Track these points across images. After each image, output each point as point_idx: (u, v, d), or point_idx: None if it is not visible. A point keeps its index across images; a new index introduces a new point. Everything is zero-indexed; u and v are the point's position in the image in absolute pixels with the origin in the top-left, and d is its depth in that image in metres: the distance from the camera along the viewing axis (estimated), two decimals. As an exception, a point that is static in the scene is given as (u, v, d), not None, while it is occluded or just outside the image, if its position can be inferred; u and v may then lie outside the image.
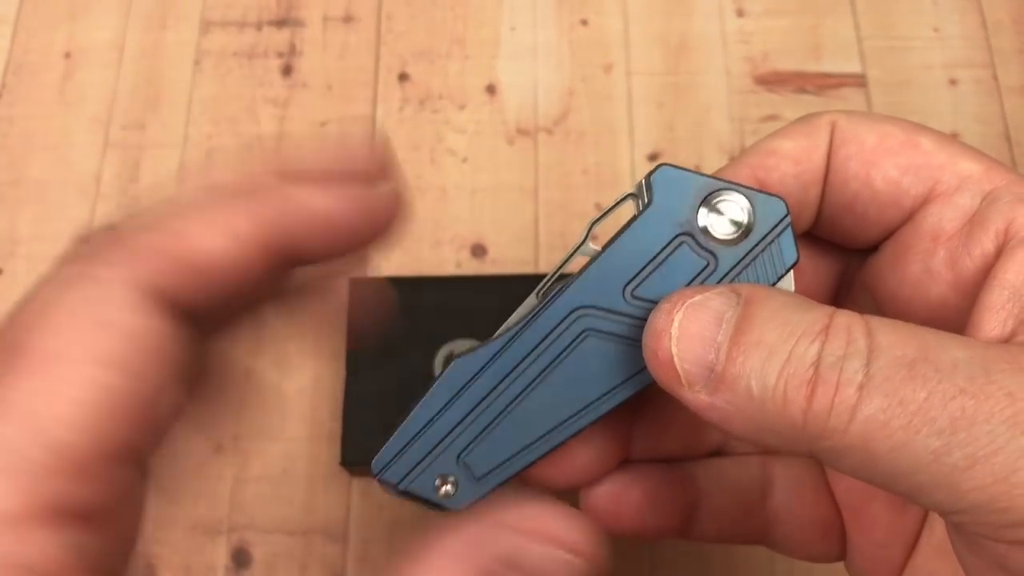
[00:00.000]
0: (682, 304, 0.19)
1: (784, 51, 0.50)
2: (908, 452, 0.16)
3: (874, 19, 0.51)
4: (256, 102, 0.49)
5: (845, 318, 0.18)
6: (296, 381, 0.43)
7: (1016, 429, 0.16)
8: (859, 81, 0.49)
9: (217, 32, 0.51)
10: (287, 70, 0.50)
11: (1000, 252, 0.20)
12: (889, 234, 0.23)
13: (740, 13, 0.51)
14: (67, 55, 0.50)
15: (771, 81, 0.49)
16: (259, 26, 0.51)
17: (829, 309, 0.18)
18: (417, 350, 0.41)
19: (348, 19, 0.51)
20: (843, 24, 0.51)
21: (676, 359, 0.18)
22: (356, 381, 0.40)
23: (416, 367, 0.41)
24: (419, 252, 0.46)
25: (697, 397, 0.18)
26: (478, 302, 0.41)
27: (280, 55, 0.50)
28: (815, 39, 0.50)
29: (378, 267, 0.46)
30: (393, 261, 0.46)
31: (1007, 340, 0.19)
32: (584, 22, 0.51)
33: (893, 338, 0.17)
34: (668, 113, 0.49)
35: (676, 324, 0.18)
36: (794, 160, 0.22)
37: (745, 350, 0.18)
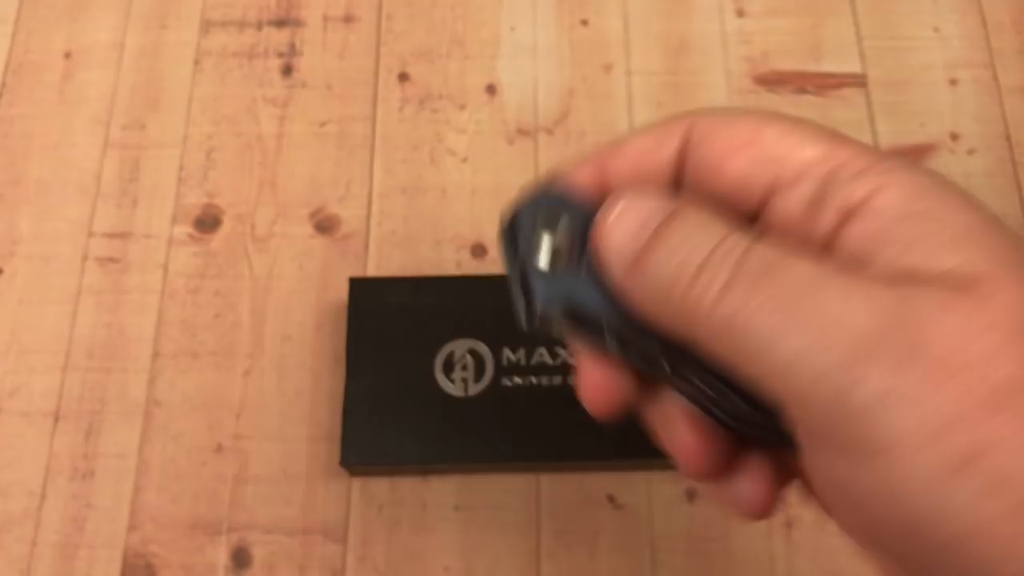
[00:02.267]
0: (620, 199, 0.23)
1: (784, 51, 0.50)
2: (754, 335, 0.20)
3: (874, 19, 0.51)
4: (256, 102, 0.49)
5: (739, 236, 0.21)
6: (296, 381, 0.43)
7: (813, 350, 0.19)
8: (859, 81, 0.49)
9: (217, 32, 0.51)
10: (287, 70, 0.50)
11: (836, 232, 0.21)
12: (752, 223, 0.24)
13: (740, 13, 0.51)
14: (67, 55, 0.50)
15: (771, 81, 0.49)
16: (259, 26, 0.51)
17: (728, 229, 0.21)
18: (417, 350, 0.41)
19: (348, 19, 0.51)
20: (843, 24, 0.51)
21: (607, 242, 0.23)
22: (355, 382, 0.40)
23: (416, 367, 0.41)
24: (419, 252, 0.46)
25: (620, 276, 0.23)
26: (478, 302, 0.41)
27: (280, 55, 0.50)
28: (815, 39, 0.50)
29: (378, 267, 0.46)
30: (393, 261, 0.46)
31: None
32: (584, 22, 0.51)
33: (761, 253, 0.20)
34: (668, 113, 0.48)
35: (614, 214, 0.23)
36: (634, 158, 0.24)
37: (657, 248, 0.22)
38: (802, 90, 0.49)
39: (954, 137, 0.48)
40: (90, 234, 0.46)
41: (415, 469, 0.41)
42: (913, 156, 0.24)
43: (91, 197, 0.47)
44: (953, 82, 0.49)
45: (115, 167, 0.48)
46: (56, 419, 0.43)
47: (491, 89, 0.49)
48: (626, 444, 0.40)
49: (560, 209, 0.24)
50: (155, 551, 0.41)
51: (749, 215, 0.23)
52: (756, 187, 0.22)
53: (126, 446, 0.42)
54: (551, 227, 0.24)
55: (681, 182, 0.24)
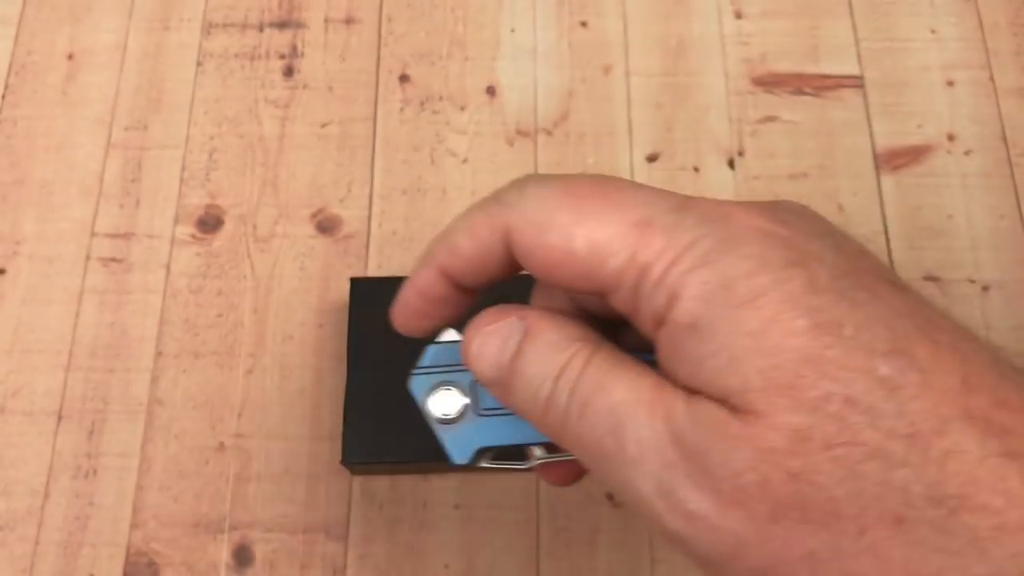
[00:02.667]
0: (477, 332, 0.25)
1: (782, 52, 0.50)
2: (591, 461, 0.22)
3: (872, 21, 0.51)
4: (258, 103, 0.49)
5: (576, 359, 0.23)
6: (297, 381, 0.44)
7: (635, 466, 0.21)
8: (856, 82, 0.49)
9: (219, 33, 0.51)
10: (289, 71, 0.50)
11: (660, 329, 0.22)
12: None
13: (738, 15, 0.51)
14: (70, 56, 0.50)
15: (769, 82, 0.50)
16: (261, 27, 0.51)
17: (568, 351, 0.23)
18: (417, 350, 0.41)
19: (349, 21, 0.51)
20: (841, 25, 0.51)
21: (476, 372, 0.25)
22: (356, 381, 0.41)
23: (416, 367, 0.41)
24: (419, 252, 0.46)
25: (499, 395, 0.25)
26: (478, 302, 0.42)
27: (282, 56, 0.50)
28: (813, 40, 0.51)
29: (379, 267, 0.46)
30: (393, 261, 0.46)
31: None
32: (584, 23, 0.51)
33: (586, 380, 0.23)
34: (667, 114, 0.49)
35: (475, 347, 0.25)
36: (468, 260, 0.26)
37: (515, 379, 0.24)
38: (800, 91, 0.49)
39: (951, 138, 0.48)
40: (93, 234, 0.47)
41: (416, 468, 0.42)
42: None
43: (94, 197, 0.47)
44: (950, 83, 0.49)
45: (118, 168, 0.48)
46: (59, 418, 0.43)
47: (491, 90, 0.49)
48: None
49: (444, 368, 0.28)
50: (157, 549, 0.41)
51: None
52: (589, 289, 0.23)
53: (129, 445, 0.43)
54: (439, 386, 0.28)
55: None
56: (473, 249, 0.25)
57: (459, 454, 0.27)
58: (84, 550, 0.41)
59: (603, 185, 0.23)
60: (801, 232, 0.22)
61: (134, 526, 0.41)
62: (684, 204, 0.22)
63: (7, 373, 0.44)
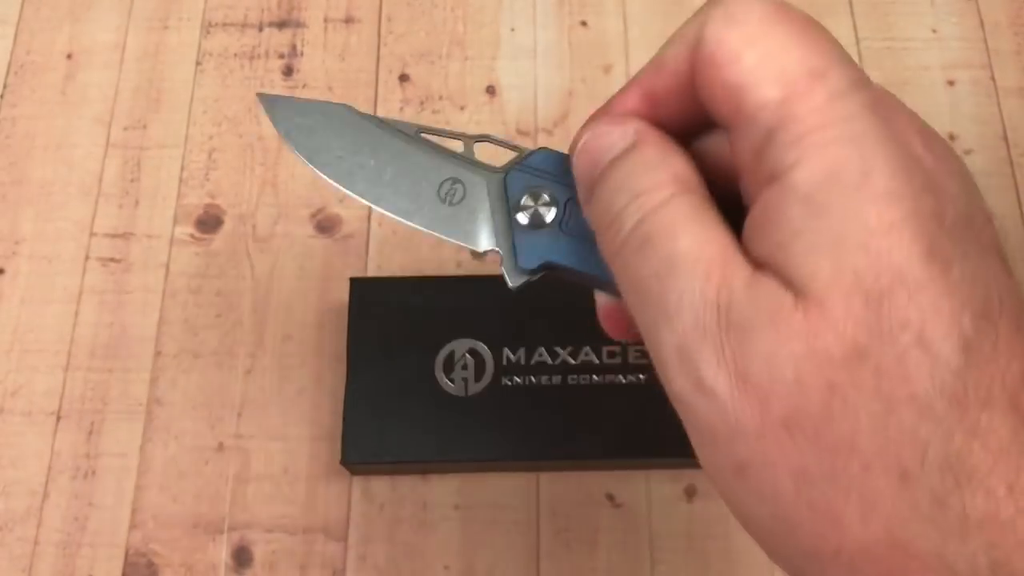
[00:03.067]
0: (593, 128, 0.24)
1: (783, 52, 0.50)
2: (632, 298, 0.22)
3: (872, 20, 0.51)
4: (257, 103, 0.49)
5: (663, 190, 0.22)
6: (297, 381, 0.44)
7: (670, 316, 0.20)
8: (857, 82, 0.49)
9: (218, 33, 0.51)
10: (288, 71, 0.50)
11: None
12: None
13: (739, 14, 0.51)
14: (69, 56, 0.50)
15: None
16: (260, 27, 0.51)
17: (656, 180, 0.22)
18: (417, 350, 0.41)
19: (349, 20, 0.51)
20: (841, 25, 0.51)
21: (575, 167, 0.24)
22: (356, 381, 0.41)
23: (416, 367, 0.41)
24: (419, 252, 0.46)
25: (584, 198, 0.24)
26: (478, 302, 0.42)
27: (281, 56, 0.50)
28: (814, 40, 0.51)
29: (379, 267, 0.46)
30: (393, 261, 0.46)
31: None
32: (584, 23, 0.51)
33: (658, 218, 0.22)
34: (667, 114, 0.49)
35: (583, 140, 0.24)
36: (674, 72, 0.23)
37: (601, 185, 0.23)
38: (801, 91, 0.49)
39: (952, 138, 0.48)
40: (92, 234, 0.46)
41: (415, 468, 0.42)
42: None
43: (93, 197, 0.47)
44: (951, 83, 0.49)
45: (117, 167, 0.48)
46: (58, 418, 0.43)
47: (491, 90, 0.49)
48: (625, 443, 0.40)
49: (548, 175, 0.27)
50: (156, 550, 0.41)
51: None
52: (724, 110, 0.22)
53: (128, 445, 0.43)
54: (537, 190, 0.26)
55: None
56: (674, 56, 0.23)
57: (527, 259, 0.26)
58: (83, 550, 0.41)
59: (809, 22, 0.22)
60: (943, 168, 0.21)
61: (133, 526, 0.41)
62: (862, 80, 0.21)
63: (6, 373, 0.44)
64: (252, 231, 0.46)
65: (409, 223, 0.27)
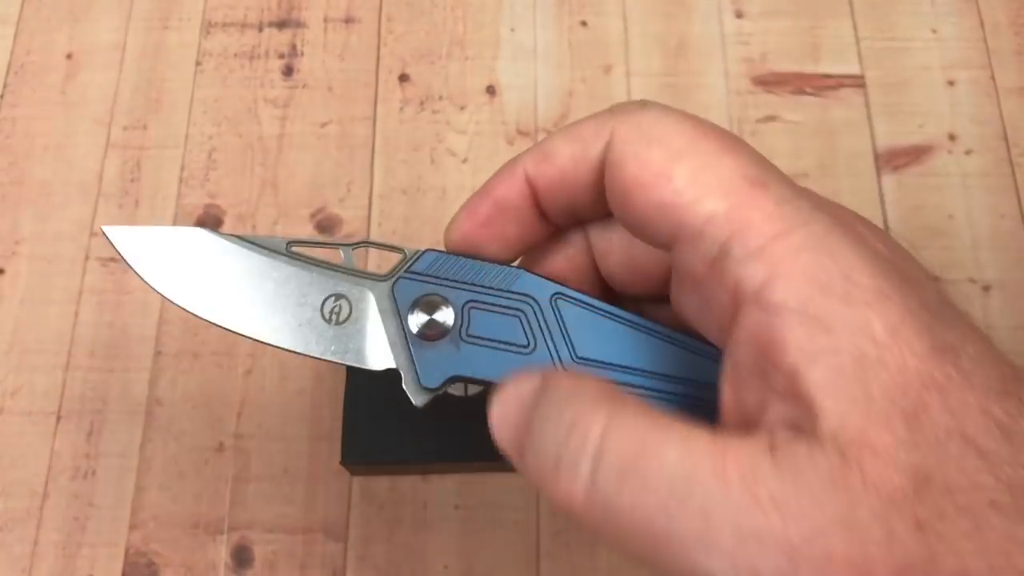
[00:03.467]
0: (499, 399, 0.22)
1: (783, 52, 0.50)
2: (628, 542, 0.19)
3: (872, 20, 0.51)
4: (257, 103, 0.49)
5: (588, 419, 0.19)
6: (297, 381, 0.44)
7: (703, 544, 0.17)
8: (857, 82, 0.49)
9: (218, 33, 0.51)
10: (288, 71, 0.50)
11: (735, 312, 0.19)
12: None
13: (739, 14, 0.51)
14: (69, 56, 0.50)
15: (770, 82, 0.50)
16: (260, 27, 0.51)
17: (587, 405, 0.20)
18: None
19: (349, 20, 0.51)
20: (841, 25, 0.51)
21: (498, 442, 0.22)
22: (356, 381, 0.41)
23: (416, 366, 0.41)
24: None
25: (519, 462, 0.21)
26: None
27: (281, 56, 0.50)
28: (813, 40, 0.51)
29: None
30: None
31: (744, 424, 0.19)
32: (584, 23, 0.51)
33: (620, 440, 0.19)
34: (667, 114, 0.49)
35: (495, 415, 0.22)
36: (561, 169, 0.23)
37: (530, 441, 0.21)
38: (801, 91, 0.49)
39: (952, 138, 0.48)
40: (92, 234, 0.46)
41: (415, 468, 0.42)
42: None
43: (93, 197, 0.47)
44: (951, 83, 0.49)
45: (117, 167, 0.48)
46: (58, 418, 0.43)
47: (491, 90, 0.49)
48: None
49: (437, 279, 0.26)
50: (157, 550, 0.41)
51: (663, 246, 0.22)
52: (660, 230, 0.21)
53: (128, 445, 0.43)
54: (430, 297, 0.25)
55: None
56: (570, 155, 0.23)
57: (430, 377, 0.25)
58: (83, 551, 0.41)
59: (729, 135, 0.21)
60: (900, 256, 0.20)
61: (133, 527, 0.41)
62: (798, 186, 0.20)
63: (6, 373, 0.44)
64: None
65: (299, 352, 0.25)
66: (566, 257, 0.26)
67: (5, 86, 0.50)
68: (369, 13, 0.51)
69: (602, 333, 0.25)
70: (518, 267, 0.26)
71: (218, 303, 0.25)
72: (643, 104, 0.22)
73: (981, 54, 0.50)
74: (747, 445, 0.18)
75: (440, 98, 0.49)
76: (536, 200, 0.24)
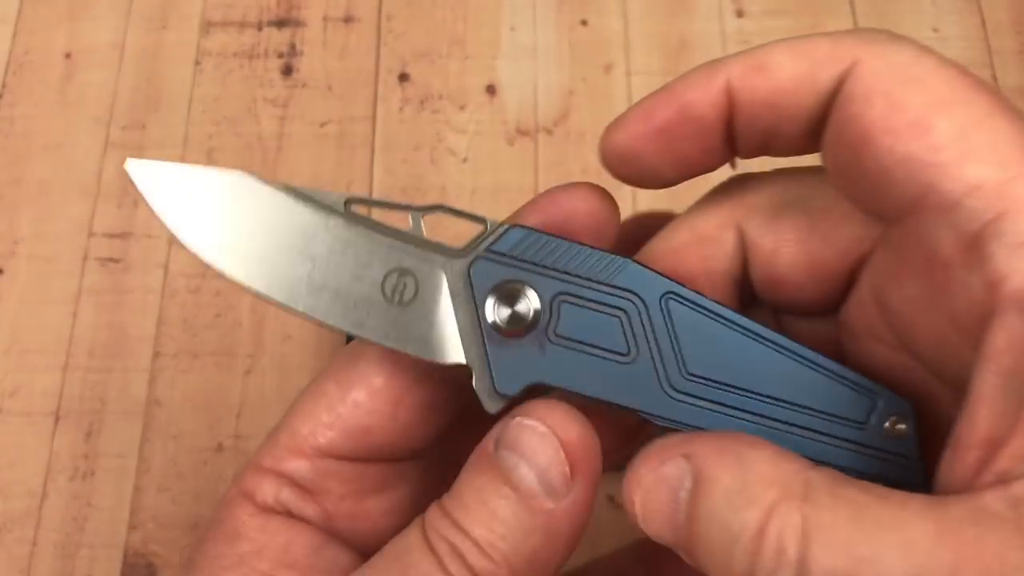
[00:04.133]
0: (638, 484, 0.19)
1: (784, 51, 0.50)
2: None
3: (873, 19, 0.51)
4: (256, 102, 0.49)
5: (779, 522, 0.16)
6: (297, 381, 0.43)
7: None
8: (858, 81, 0.49)
9: (218, 32, 0.51)
10: (287, 70, 0.50)
11: (992, 311, 0.16)
12: (885, 220, 0.19)
13: (740, 13, 0.51)
14: (68, 55, 0.50)
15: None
16: (259, 26, 0.51)
17: (771, 496, 0.17)
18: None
19: (348, 19, 0.51)
20: (842, 24, 0.51)
21: (652, 537, 0.19)
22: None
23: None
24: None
25: (680, 546, 0.19)
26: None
27: (280, 55, 0.50)
28: (815, 39, 0.50)
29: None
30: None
31: (996, 482, 0.16)
32: (584, 22, 0.51)
33: (826, 548, 0.16)
34: (668, 113, 0.49)
35: (638, 504, 0.19)
36: (777, 87, 0.19)
37: (696, 539, 0.18)
38: (802, 90, 0.49)
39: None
40: (91, 234, 0.46)
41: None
42: None
43: (92, 197, 0.47)
44: (952, 82, 0.49)
45: (116, 167, 0.48)
46: (57, 419, 0.43)
47: (491, 89, 0.49)
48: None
49: (524, 263, 0.21)
50: (156, 551, 0.41)
51: (878, 213, 0.18)
52: (901, 192, 0.17)
53: (127, 446, 0.42)
54: (514, 284, 0.21)
55: (822, 125, 0.19)
56: (792, 72, 0.18)
57: (506, 382, 0.20)
58: (82, 551, 0.41)
59: (1001, 94, 0.17)
60: None
61: (132, 527, 0.41)
62: None
63: (5, 373, 0.44)
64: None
65: (350, 332, 0.21)
66: (702, 256, 0.22)
67: (4, 85, 0.50)
68: (369, 12, 0.51)
69: (721, 346, 0.21)
70: (625, 257, 0.22)
71: (256, 262, 0.21)
72: (894, 36, 0.18)
73: (983, 53, 0.50)
74: (984, 515, 0.14)
75: (440, 97, 0.49)
76: (730, 117, 0.20)
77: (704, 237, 0.22)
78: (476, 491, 0.19)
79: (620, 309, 0.21)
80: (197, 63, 0.50)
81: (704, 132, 0.20)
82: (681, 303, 0.21)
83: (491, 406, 0.21)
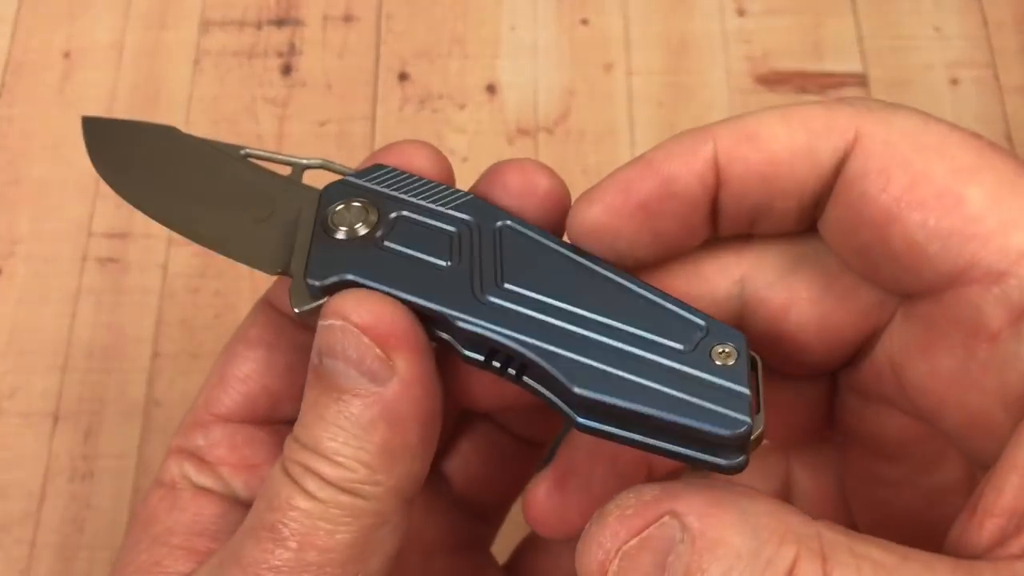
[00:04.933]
0: (607, 550, 0.16)
1: (785, 50, 0.50)
2: None
3: (875, 18, 0.51)
4: (256, 101, 0.49)
5: (809, 534, 0.15)
6: (296, 381, 0.43)
7: None
8: (860, 81, 0.49)
9: (217, 31, 0.51)
10: (287, 69, 0.50)
11: None
12: (911, 296, 0.18)
13: (741, 12, 0.51)
14: (67, 55, 0.50)
15: (771, 81, 0.49)
16: (259, 25, 0.51)
17: (790, 556, 0.15)
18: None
19: (348, 18, 0.51)
20: (844, 23, 0.50)
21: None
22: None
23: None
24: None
25: None
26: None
27: (280, 54, 0.50)
28: (816, 38, 0.50)
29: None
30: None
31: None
32: (584, 21, 0.51)
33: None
34: (668, 113, 0.48)
35: (609, 560, 0.16)
36: (770, 159, 0.18)
37: None
38: (803, 89, 0.49)
39: None
40: (90, 234, 0.46)
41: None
42: None
43: (90, 197, 0.47)
44: (954, 82, 0.49)
45: (114, 167, 0.48)
46: (55, 420, 0.43)
47: (491, 89, 0.49)
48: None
49: (375, 193, 0.22)
50: (155, 552, 0.41)
51: (905, 291, 0.17)
52: (938, 267, 0.16)
53: (126, 447, 0.42)
54: (358, 201, 0.22)
55: (820, 202, 0.18)
56: (787, 144, 0.17)
57: (318, 272, 0.21)
58: (81, 553, 0.41)
59: (1012, 154, 0.16)
60: None
61: (131, 529, 0.41)
62: None
63: (3, 374, 0.44)
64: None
65: (216, 250, 0.23)
66: (695, 300, 0.20)
67: (2, 85, 0.49)
68: (368, 11, 0.51)
69: (544, 267, 0.21)
70: (471, 193, 0.23)
71: (156, 196, 0.24)
72: (889, 104, 0.18)
73: (985, 53, 0.50)
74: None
75: (440, 97, 0.49)
76: (716, 192, 0.18)
77: (704, 282, 0.21)
78: (312, 407, 0.20)
79: (453, 230, 0.22)
80: (196, 62, 0.50)
81: (688, 208, 0.19)
82: (515, 231, 0.22)
83: (296, 302, 0.21)
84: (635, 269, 0.21)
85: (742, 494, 0.16)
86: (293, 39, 0.50)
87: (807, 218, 0.19)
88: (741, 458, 0.18)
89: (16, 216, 0.47)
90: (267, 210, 0.23)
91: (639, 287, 0.21)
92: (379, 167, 0.23)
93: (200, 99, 0.49)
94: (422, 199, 0.22)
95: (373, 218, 0.21)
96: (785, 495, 0.23)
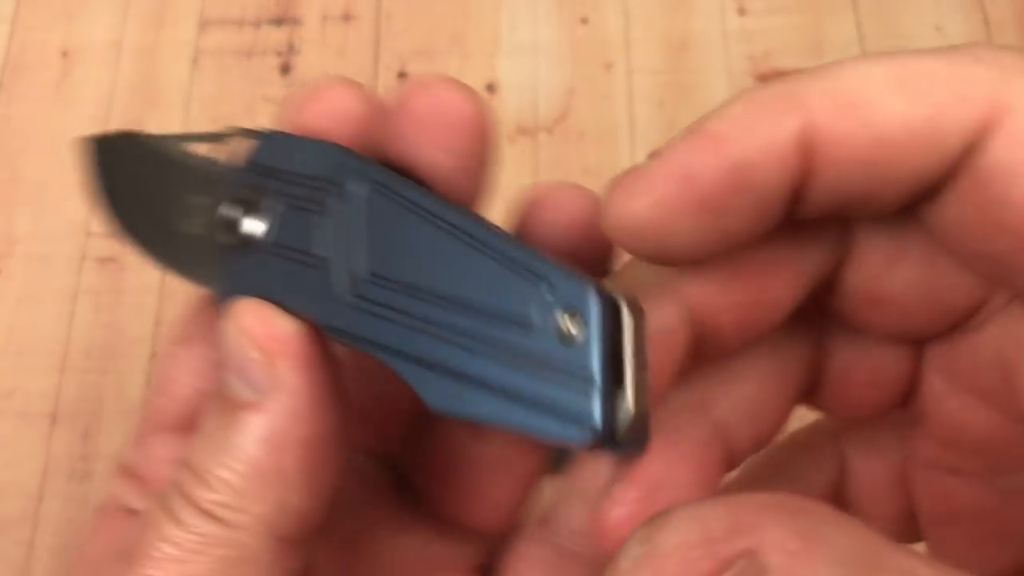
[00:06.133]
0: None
1: (785, 49, 0.50)
2: None
3: (876, 17, 0.51)
4: (254, 101, 0.49)
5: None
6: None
7: None
8: (861, 80, 0.49)
9: (215, 30, 0.50)
10: (285, 69, 0.49)
11: None
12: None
13: (741, 11, 0.51)
14: (64, 53, 0.50)
15: (772, 80, 0.49)
16: (257, 24, 0.51)
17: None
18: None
19: (347, 17, 0.51)
20: (845, 22, 0.50)
21: None
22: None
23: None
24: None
25: None
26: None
27: (279, 54, 0.50)
28: (817, 37, 0.50)
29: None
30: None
31: None
32: (585, 20, 0.51)
33: None
34: (669, 112, 0.48)
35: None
36: (880, 138, 0.14)
37: None
38: (804, 89, 0.49)
39: None
40: (88, 234, 0.46)
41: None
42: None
43: (89, 197, 0.47)
44: (955, 81, 0.49)
45: (113, 166, 0.48)
46: (54, 420, 0.43)
47: (491, 88, 0.49)
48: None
49: (278, 173, 0.19)
50: (153, 553, 0.41)
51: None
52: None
53: (124, 447, 0.42)
54: (254, 193, 0.19)
55: (938, 190, 0.15)
56: (902, 114, 0.14)
57: (220, 291, 0.18)
58: (79, 554, 0.41)
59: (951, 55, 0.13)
60: None
61: (129, 529, 0.41)
62: None
63: (1, 374, 0.44)
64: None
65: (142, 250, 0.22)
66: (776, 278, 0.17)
67: (0, 84, 0.49)
68: (367, 10, 0.51)
69: (412, 239, 0.17)
70: (337, 144, 0.19)
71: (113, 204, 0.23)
72: (823, 67, 0.15)
73: (986, 52, 0.50)
74: None
75: (439, 96, 0.49)
76: (806, 176, 0.14)
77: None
78: (201, 421, 0.18)
79: (325, 205, 0.18)
80: (194, 61, 0.50)
81: (764, 202, 0.14)
82: (384, 197, 0.18)
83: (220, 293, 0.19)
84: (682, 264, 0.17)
85: (823, 519, 0.13)
86: (292, 38, 0.50)
87: (905, 208, 0.15)
88: (635, 446, 0.15)
89: (14, 216, 0.47)
90: (205, 216, 0.20)
91: (491, 239, 0.16)
92: (276, 134, 0.20)
93: (199, 98, 0.49)
94: (300, 176, 0.19)
95: (266, 216, 0.19)
96: (840, 481, 0.20)
